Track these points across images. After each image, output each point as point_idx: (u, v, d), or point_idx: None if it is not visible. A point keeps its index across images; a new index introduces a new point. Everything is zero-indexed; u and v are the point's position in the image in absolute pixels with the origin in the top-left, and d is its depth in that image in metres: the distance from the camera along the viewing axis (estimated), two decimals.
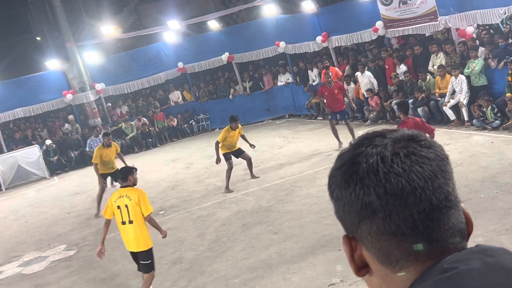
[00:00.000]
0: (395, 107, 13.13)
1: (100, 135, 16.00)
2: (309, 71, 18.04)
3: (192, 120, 20.91)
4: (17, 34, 32.96)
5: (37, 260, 9.79)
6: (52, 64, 20.80)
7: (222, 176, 12.60)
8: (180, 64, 20.89)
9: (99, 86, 20.56)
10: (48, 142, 19.34)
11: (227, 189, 11.17)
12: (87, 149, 16.32)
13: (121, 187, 6.94)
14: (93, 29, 22.51)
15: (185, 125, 20.84)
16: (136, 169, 7.05)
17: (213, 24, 20.52)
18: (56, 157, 19.22)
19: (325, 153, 12.33)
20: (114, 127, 20.25)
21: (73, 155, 19.36)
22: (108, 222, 6.95)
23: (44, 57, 22.20)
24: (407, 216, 0.90)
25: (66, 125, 20.62)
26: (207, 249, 8.25)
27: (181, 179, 13.56)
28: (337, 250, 6.83)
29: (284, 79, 19.26)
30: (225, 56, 19.96)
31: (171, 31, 20.33)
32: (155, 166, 15.92)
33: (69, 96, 20.25)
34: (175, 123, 20.66)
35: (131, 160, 17.26)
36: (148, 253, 6.68)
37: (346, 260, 1.00)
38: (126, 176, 6.81)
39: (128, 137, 19.82)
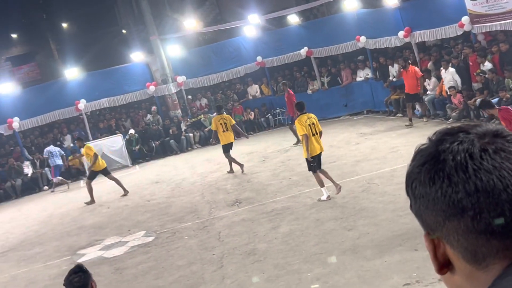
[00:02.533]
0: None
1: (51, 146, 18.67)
2: (390, 67, 17.67)
3: (269, 114, 21.03)
4: (104, 27, 34.38)
5: (117, 245, 10.22)
6: (137, 57, 21.56)
7: (297, 171, 12.64)
8: (259, 58, 21.04)
9: (180, 78, 21.09)
10: (131, 131, 20.09)
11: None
12: (45, 155, 18.55)
13: (303, 113, 9.77)
14: (176, 23, 23.12)
15: (262, 119, 20.99)
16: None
17: (293, 19, 20.52)
18: (138, 147, 19.94)
19: (404, 151, 12.06)
20: (193, 119, 20.74)
21: (154, 145, 20.01)
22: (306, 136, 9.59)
23: (129, 49, 23.06)
24: (499, 214, 0.88)
25: (148, 116, 21.33)
26: (280, 242, 8.30)
27: (257, 172, 13.69)
28: (413, 250, 6.68)
29: (363, 74, 18.97)
30: (304, 51, 19.91)
31: (251, 25, 20.51)
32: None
33: (152, 88, 20.92)
34: (252, 117, 20.86)
35: (208, 152, 17.66)
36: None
37: (422, 261, 0.99)
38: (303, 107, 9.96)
39: (207, 129, 20.22)
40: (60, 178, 18.12)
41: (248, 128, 20.65)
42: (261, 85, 21.89)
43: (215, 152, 16.70)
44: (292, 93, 16.56)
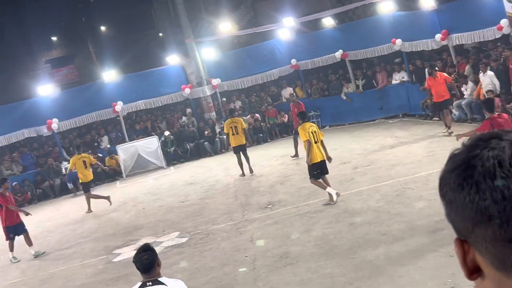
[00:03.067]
0: None
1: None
2: (426, 70, 17.42)
3: None
4: (141, 30, 34.90)
5: (152, 245, 10.33)
6: (172, 59, 21.84)
7: (330, 174, 12.57)
8: (293, 61, 21.05)
9: (215, 81, 21.26)
10: (167, 133, 20.35)
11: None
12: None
13: (305, 121, 10.41)
14: (211, 26, 23.33)
15: None
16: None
17: (328, 21, 20.44)
18: (173, 148, 20.18)
19: (440, 155, 11.88)
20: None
21: (188, 147, 20.20)
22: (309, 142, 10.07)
23: (165, 52, 23.37)
24: None
25: (184, 118, 21.55)
26: (313, 246, 8.29)
27: (290, 174, 13.69)
28: (448, 256, 6.59)
29: (399, 77, 18.77)
30: (338, 54, 19.82)
31: (286, 28, 20.53)
32: (265, 161, 16.19)
33: (187, 90, 21.14)
34: (285, 119, 20.86)
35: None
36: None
37: (457, 267, 1.00)
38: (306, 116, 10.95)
39: None
40: None
41: (282, 131, 20.67)
42: (295, 88, 21.87)
43: (249, 154, 16.77)
44: (302, 103, 16.23)
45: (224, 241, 9.52)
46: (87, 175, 14.75)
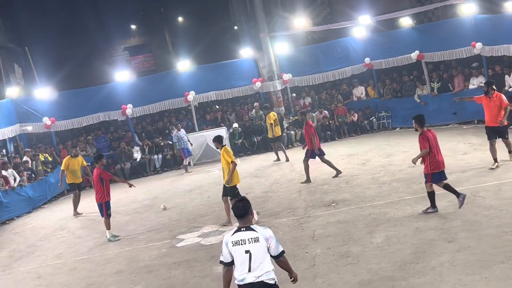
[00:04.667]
0: None
1: (181, 130, 19.10)
2: (506, 76, 16.74)
3: (373, 117, 20.69)
4: (217, 22, 35.40)
5: (215, 233, 10.54)
6: (246, 52, 22.05)
7: (398, 177, 12.36)
8: (367, 60, 20.75)
9: (286, 76, 21.29)
10: (235, 125, 20.60)
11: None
12: (174, 140, 19.24)
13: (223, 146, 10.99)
14: (286, 21, 23.34)
15: (365, 122, 20.68)
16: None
17: (406, 21, 20.02)
18: (240, 140, 20.41)
19: None
20: (295, 117, 20.85)
21: (256, 140, 20.36)
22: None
23: (239, 45, 23.61)
24: None
25: (253, 111, 21.72)
26: (375, 247, 8.18)
27: (356, 174, 13.54)
28: None
29: (476, 82, 18.09)
30: (414, 54, 19.36)
31: (362, 26, 20.25)
32: (332, 159, 16.04)
33: (258, 84, 21.30)
34: (355, 118, 20.62)
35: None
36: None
37: None
38: (219, 140, 11.20)
39: None
40: (189, 159, 19.14)
41: (350, 130, 20.45)
42: (367, 87, 21.57)
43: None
44: (312, 124, 14.29)
45: (285, 235, 9.55)
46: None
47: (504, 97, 12.00)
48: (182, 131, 19.21)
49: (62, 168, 15.13)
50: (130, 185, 12.32)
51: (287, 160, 17.30)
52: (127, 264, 9.62)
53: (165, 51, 37.34)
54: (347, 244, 8.56)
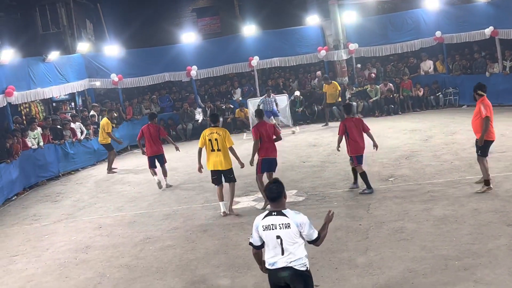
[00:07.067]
0: None
1: (272, 95, 18.54)
2: None
3: (440, 93, 20.09)
4: None
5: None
6: (313, 20, 21.74)
7: (460, 155, 12.06)
8: (438, 33, 20.07)
9: (353, 46, 20.91)
10: (297, 93, 20.53)
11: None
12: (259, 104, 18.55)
13: (211, 126, 10.05)
14: None
15: (431, 97, 20.13)
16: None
17: None
18: (301, 108, 20.36)
19: None
20: (359, 88, 20.55)
21: (316, 109, 20.25)
22: (200, 150, 10.01)
23: (305, 12, 23.25)
24: None
25: (315, 80, 21.54)
26: (431, 225, 8.07)
27: (417, 150, 13.29)
28: None
29: None
30: (488, 30, 18.56)
31: None
32: (393, 133, 15.81)
33: (322, 52, 21.05)
34: (421, 93, 20.10)
35: (369, 124, 17.40)
36: (231, 171, 10.02)
37: None
38: (217, 119, 10.28)
39: (371, 100, 19.95)
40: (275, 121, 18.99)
41: (415, 105, 19.97)
42: (435, 62, 20.91)
43: (377, 125, 16.51)
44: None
45: (340, 206, 9.56)
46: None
47: None
48: (273, 97, 18.76)
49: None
50: (177, 148, 13.57)
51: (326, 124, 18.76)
52: (183, 222, 9.91)
53: (232, 14, 37.26)
54: (402, 219, 8.49)
